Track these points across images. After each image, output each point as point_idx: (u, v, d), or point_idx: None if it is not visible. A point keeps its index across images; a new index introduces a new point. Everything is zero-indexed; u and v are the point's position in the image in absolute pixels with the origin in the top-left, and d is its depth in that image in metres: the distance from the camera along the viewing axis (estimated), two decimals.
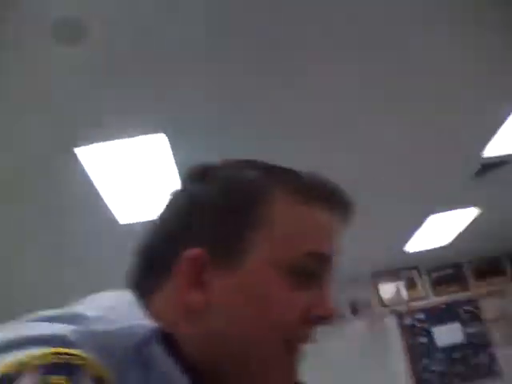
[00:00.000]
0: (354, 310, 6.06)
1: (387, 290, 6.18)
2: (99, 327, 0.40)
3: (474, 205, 4.42)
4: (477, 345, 5.95)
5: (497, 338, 5.99)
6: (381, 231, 4.67)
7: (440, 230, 4.91)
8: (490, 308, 6.15)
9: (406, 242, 5.20)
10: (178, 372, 0.44)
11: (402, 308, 6.07)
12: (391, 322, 6.03)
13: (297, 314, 0.48)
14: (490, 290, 6.22)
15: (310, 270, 0.49)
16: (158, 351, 0.43)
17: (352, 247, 4.91)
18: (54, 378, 0.32)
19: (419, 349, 5.88)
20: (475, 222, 4.73)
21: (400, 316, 6.05)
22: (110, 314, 0.43)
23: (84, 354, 0.36)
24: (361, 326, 5.99)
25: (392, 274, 6.23)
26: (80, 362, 0.35)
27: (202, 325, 0.47)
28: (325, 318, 0.50)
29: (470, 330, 6.03)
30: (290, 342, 0.48)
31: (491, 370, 5.83)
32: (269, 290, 0.47)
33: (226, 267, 0.47)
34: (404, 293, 6.16)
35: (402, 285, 6.21)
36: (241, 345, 0.46)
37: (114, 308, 0.45)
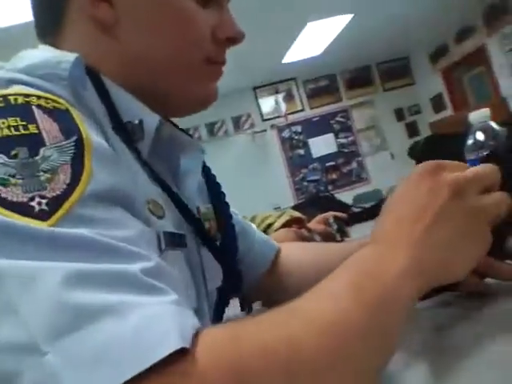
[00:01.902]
0: (237, 126, 6.86)
1: (267, 103, 7.02)
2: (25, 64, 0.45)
3: (349, 11, 5.07)
4: (348, 153, 7.37)
5: (366, 147, 7.38)
6: (259, 43, 5.21)
7: (316, 39, 5.59)
8: (360, 118, 7.41)
9: (284, 53, 5.87)
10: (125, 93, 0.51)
11: (281, 121, 7.02)
12: (271, 135, 7.03)
13: (209, 32, 0.54)
14: (360, 100, 7.40)
15: None
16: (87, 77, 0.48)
17: (231, 61, 5.42)
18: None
19: (297, 160, 7.12)
20: (348, 28, 5.47)
21: (279, 129, 7.04)
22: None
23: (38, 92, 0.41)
24: (243, 140, 6.89)
25: (271, 88, 7.04)
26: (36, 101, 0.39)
27: (120, 45, 0.52)
28: (234, 38, 0.56)
29: (342, 140, 7.36)
30: (208, 59, 0.55)
31: (360, 176, 7.35)
32: (183, 6, 0.52)
33: None
34: (283, 106, 7.03)
35: (280, 98, 7.06)
36: (162, 60, 0.52)
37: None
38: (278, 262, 0.78)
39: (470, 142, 0.63)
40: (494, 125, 0.65)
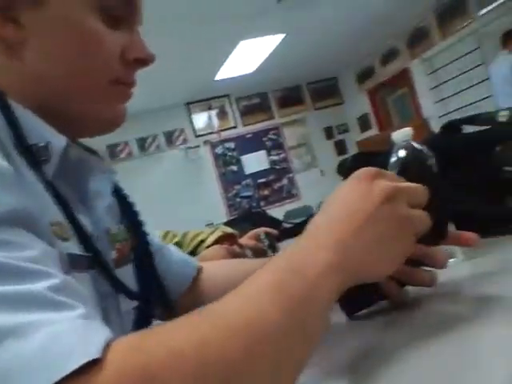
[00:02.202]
0: (169, 141, 6.80)
1: (200, 119, 7.03)
2: None
3: (281, 31, 5.21)
4: (279, 170, 7.53)
5: (297, 164, 7.57)
6: (192, 59, 5.23)
7: (249, 57, 5.71)
8: (291, 136, 7.60)
9: (217, 70, 5.93)
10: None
11: (214, 137, 7.04)
12: (205, 152, 7.02)
13: (117, 53, 0.54)
14: (292, 118, 7.59)
15: (115, 8, 0.54)
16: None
17: (164, 77, 5.43)
18: None
19: (230, 176, 7.18)
20: (280, 48, 5.61)
21: (212, 145, 7.07)
22: None
23: None
24: (176, 156, 6.84)
25: (204, 104, 7.05)
26: None
27: (26, 66, 0.52)
28: (143, 60, 0.57)
29: (274, 157, 7.52)
30: (116, 80, 0.55)
31: (291, 193, 7.51)
32: (88, 27, 0.51)
33: (34, 2, 0.50)
34: (216, 122, 7.07)
35: (214, 114, 7.10)
36: (66, 81, 0.52)
37: None
38: (200, 280, 0.79)
39: (393, 159, 0.66)
40: (415, 144, 0.68)
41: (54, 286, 0.34)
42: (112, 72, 0.54)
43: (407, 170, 0.58)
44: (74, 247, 0.48)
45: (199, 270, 0.79)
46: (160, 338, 0.33)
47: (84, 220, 0.52)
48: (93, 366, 0.30)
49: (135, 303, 0.59)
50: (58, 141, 0.51)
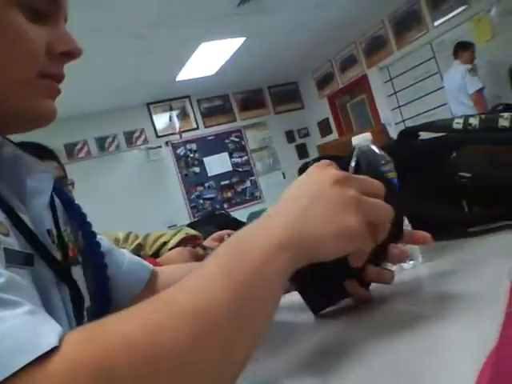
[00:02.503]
0: (130, 141, 6.69)
1: (161, 120, 6.95)
2: None
3: (241, 35, 5.24)
4: (242, 173, 7.54)
5: (259, 167, 7.60)
6: (154, 59, 5.17)
7: (210, 59, 5.72)
8: (253, 138, 7.62)
9: (178, 71, 5.88)
10: None
11: (176, 138, 6.98)
12: (166, 152, 6.95)
13: (43, 47, 0.53)
14: (253, 121, 7.62)
15: (37, 2, 0.53)
16: None
17: (125, 77, 5.35)
18: None
19: (193, 178, 7.13)
20: (241, 51, 5.64)
21: (174, 146, 7.00)
22: None
23: None
24: (137, 156, 6.74)
25: (165, 105, 6.98)
26: None
27: None
28: (71, 53, 0.56)
29: (237, 159, 7.51)
30: (42, 74, 0.54)
31: (254, 195, 7.55)
32: (7, 20, 0.51)
33: None
34: (177, 123, 7.01)
35: (175, 115, 7.04)
36: None
37: None
38: (157, 284, 0.78)
39: (353, 163, 0.68)
40: (374, 147, 0.70)
41: None
42: (36, 66, 0.53)
43: (366, 171, 0.60)
44: (14, 243, 0.48)
45: (153, 273, 0.78)
46: (111, 328, 0.33)
47: (24, 218, 0.52)
48: (45, 359, 0.30)
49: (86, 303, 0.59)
50: None
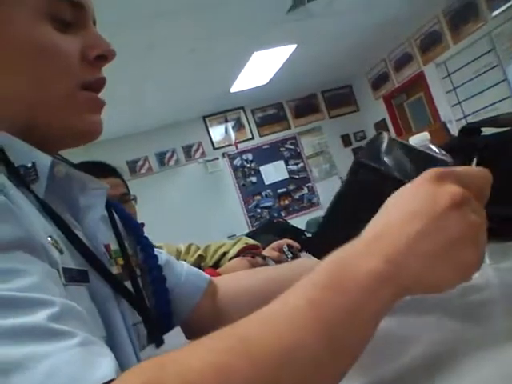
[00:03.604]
0: (188, 154, 6.85)
1: (217, 132, 7.07)
2: None
3: (292, 42, 5.24)
4: (298, 180, 7.50)
5: (315, 173, 7.53)
6: (208, 73, 5.28)
7: (262, 68, 5.75)
8: (308, 145, 7.59)
9: (231, 83, 5.97)
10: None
11: (232, 149, 7.07)
12: (223, 164, 7.04)
13: (76, 56, 0.53)
14: (308, 127, 7.58)
15: (64, 12, 0.53)
16: None
17: (180, 92, 5.49)
18: None
19: (250, 187, 7.19)
20: (292, 58, 5.64)
21: (230, 157, 7.09)
22: None
23: None
24: (195, 169, 6.88)
25: (221, 117, 7.10)
26: None
27: None
28: (105, 56, 0.56)
29: (292, 166, 7.50)
30: (83, 84, 0.54)
31: (312, 201, 7.48)
32: (39, 37, 0.51)
33: None
34: (233, 134, 7.10)
35: (230, 126, 7.13)
36: (30, 96, 0.52)
37: None
38: (216, 294, 0.78)
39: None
40: (433, 147, 0.68)
41: (53, 314, 0.35)
42: (74, 77, 0.53)
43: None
44: (68, 262, 0.48)
45: (211, 284, 0.78)
46: (177, 361, 0.30)
47: (79, 234, 0.53)
48: None
49: (138, 318, 0.59)
50: (43, 159, 0.51)
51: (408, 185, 0.40)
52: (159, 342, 0.60)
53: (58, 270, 0.44)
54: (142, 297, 0.61)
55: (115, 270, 0.59)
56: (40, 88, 0.52)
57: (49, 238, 0.46)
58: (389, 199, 0.40)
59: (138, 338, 0.58)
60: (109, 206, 0.65)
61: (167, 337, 0.61)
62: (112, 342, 0.50)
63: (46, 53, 0.51)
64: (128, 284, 0.60)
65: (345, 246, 0.38)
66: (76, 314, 0.38)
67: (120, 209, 0.69)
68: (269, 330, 0.32)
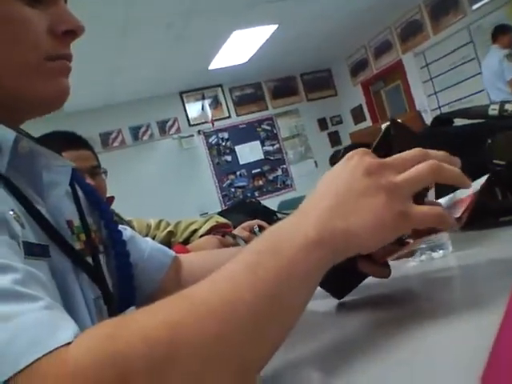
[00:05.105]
0: (163, 130, 6.77)
1: (194, 109, 7.00)
2: None
3: (274, 22, 5.19)
4: (274, 161, 7.52)
5: (291, 155, 7.56)
6: (186, 49, 5.19)
7: (242, 47, 5.70)
8: (285, 126, 7.59)
9: (210, 60, 5.90)
10: None
11: (208, 127, 7.03)
12: (198, 141, 7.00)
13: (45, 30, 0.54)
14: (285, 109, 7.57)
15: None
16: None
17: (158, 67, 5.40)
18: None
19: (225, 166, 7.18)
20: (273, 39, 5.60)
21: (206, 135, 7.05)
22: None
23: None
24: (170, 145, 6.82)
25: (198, 94, 7.02)
26: None
27: None
28: (73, 31, 0.56)
29: (268, 147, 7.51)
30: (49, 57, 0.54)
31: (286, 183, 7.52)
32: (7, 9, 0.51)
33: None
34: (209, 112, 7.04)
35: (207, 104, 7.07)
36: (0, 73, 0.52)
37: None
38: (180, 270, 0.79)
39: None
40: None
41: (18, 279, 0.36)
42: (42, 50, 0.54)
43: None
44: (29, 235, 0.49)
45: (176, 260, 0.79)
46: (134, 326, 0.33)
47: (41, 209, 0.53)
48: (60, 353, 0.31)
49: (98, 293, 0.59)
50: (5, 134, 0.51)
51: (336, 164, 0.47)
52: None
53: (18, 243, 0.45)
54: (101, 271, 0.62)
55: (77, 246, 0.59)
56: (6, 59, 0.52)
57: (11, 212, 0.46)
58: (322, 177, 0.46)
59: (100, 313, 0.59)
60: (73, 180, 0.64)
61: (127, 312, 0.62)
62: (71, 316, 0.51)
63: (13, 25, 0.52)
64: (90, 260, 0.60)
65: (280, 221, 0.43)
66: (39, 279, 0.39)
67: (84, 184, 0.69)
68: (213, 290, 0.36)
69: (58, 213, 0.57)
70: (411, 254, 0.56)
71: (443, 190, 0.52)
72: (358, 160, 0.44)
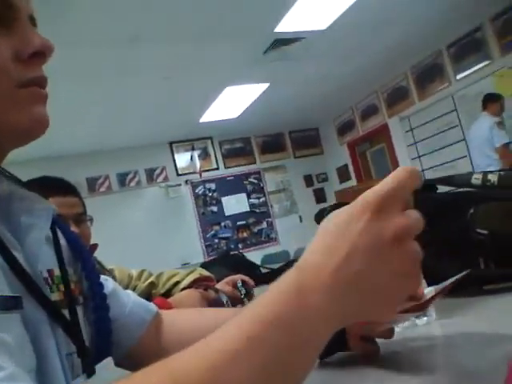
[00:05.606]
0: (150, 178, 6.78)
1: (183, 159, 7.06)
2: None
3: (265, 81, 5.36)
4: (259, 214, 7.55)
5: (276, 209, 7.61)
6: (178, 101, 5.30)
7: (233, 103, 5.85)
8: (272, 181, 7.69)
9: (202, 113, 6.02)
10: None
11: (196, 177, 7.07)
12: (185, 191, 7.02)
13: (9, 57, 0.50)
14: (273, 164, 7.68)
15: None
16: None
17: (150, 117, 5.48)
18: None
19: (210, 216, 7.17)
20: (264, 97, 5.75)
21: (193, 185, 7.08)
22: None
23: None
24: (157, 193, 6.82)
25: (188, 144, 7.11)
26: None
27: None
28: (41, 52, 0.53)
29: (254, 200, 7.56)
30: (21, 84, 0.51)
31: (270, 236, 7.54)
32: None
33: None
34: (198, 163, 7.10)
35: (196, 155, 7.14)
36: None
37: None
38: (161, 327, 0.76)
39: None
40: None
41: None
42: (9, 78, 0.50)
43: None
44: (4, 286, 0.45)
45: (157, 317, 0.76)
46: None
47: (17, 255, 0.50)
48: None
49: (73, 348, 0.56)
50: None
51: (349, 209, 0.38)
52: (91, 373, 0.57)
53: None
54: (78, 325, 0.58)
55: (56, 297, 0.56)
56: None
57: None
58: (329, 222, 0.38)
59: (72, 368, 0.55)
60: (54, 225, 0.61)
61: (100, 367, 0.59)
62: (44, 370, 0.48)
63: None
64: (66, 312, 0.57)
65: (285, 274, 0.37)
66: (4, 345, 0.36)
67: (67, 231, 0.66)
68: (201, 363, 0.32)
69: (35, 260, 0.53)
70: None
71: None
72: (387, 216, 0.36)
